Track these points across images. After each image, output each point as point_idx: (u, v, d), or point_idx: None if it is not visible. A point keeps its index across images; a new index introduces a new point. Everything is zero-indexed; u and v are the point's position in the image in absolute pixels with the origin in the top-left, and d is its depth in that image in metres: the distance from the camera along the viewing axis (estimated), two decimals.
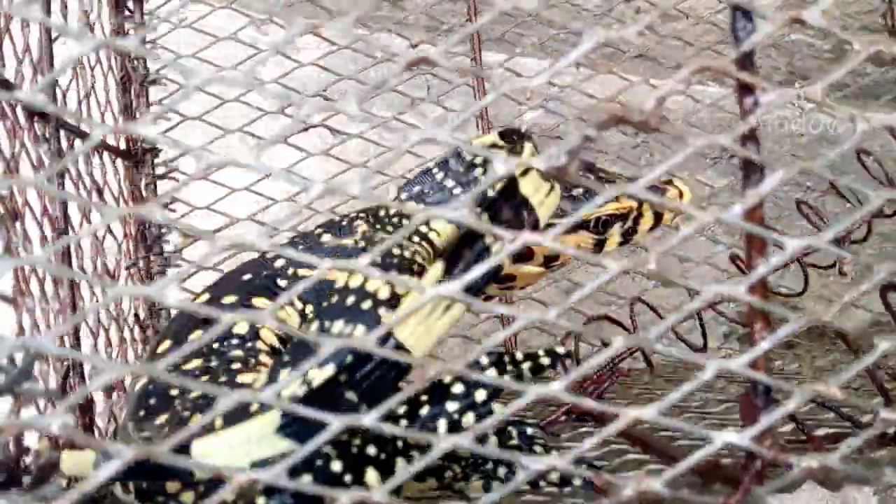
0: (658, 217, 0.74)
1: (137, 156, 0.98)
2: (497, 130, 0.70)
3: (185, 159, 1.01)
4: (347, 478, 0.51)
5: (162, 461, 0.36)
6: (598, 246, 0.74)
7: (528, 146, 0.62)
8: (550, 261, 0.74)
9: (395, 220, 0.75)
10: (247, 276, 0.74)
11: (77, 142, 0.79)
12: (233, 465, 0.46)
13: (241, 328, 0.70)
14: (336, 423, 0.37)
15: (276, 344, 0.72)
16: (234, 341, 0.68)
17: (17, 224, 0.68)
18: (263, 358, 0.70)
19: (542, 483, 0.58)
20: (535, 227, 0.53)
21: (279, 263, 0.74)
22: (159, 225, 0.99)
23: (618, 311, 1.00)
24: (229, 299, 0.72)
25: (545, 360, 0.57)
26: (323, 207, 1.01)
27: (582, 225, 0.73)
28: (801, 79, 1.24)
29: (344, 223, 0.76)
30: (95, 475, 0.35)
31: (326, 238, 0.75)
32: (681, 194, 0.74)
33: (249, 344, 0.69)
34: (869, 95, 1.23)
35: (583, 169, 0.76)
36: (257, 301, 0.72)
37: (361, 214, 0.76)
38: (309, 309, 0.72)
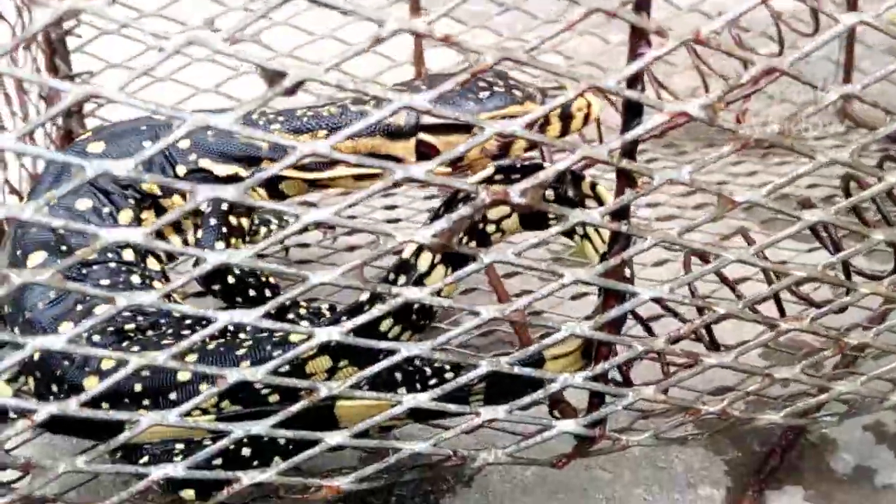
0: (566, 126, 0.75)
1: None
2: None
3: None
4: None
5: None
6: (503, 148, 0.75)
7: None
8: (455, 161, 0.75)
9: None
10: (146, 144, 0.71)
11: None
12: None
13: (125, 217, 0.71)
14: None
15: None
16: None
17: None
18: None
19: None
20: None
21: (183, 144, 0.73)
22: None
23: None
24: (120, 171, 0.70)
25: None
26: None
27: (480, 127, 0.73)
28: None
29: (260, 122, 0.74)
30: None
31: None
32: (589, 105, 0.75)
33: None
34: None
35: (494, 75, 0.76)
36: (147, 186, 0.70)
37: (279, 116, 0.75)
38: (203, 203, 0.73)
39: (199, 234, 0.71)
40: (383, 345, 0.47)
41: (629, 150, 0.44)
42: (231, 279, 0.70)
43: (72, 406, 0.44)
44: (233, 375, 0.45)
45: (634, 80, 0.42)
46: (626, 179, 0.45)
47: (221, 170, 0.73)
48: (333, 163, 0.73)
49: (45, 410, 0.43)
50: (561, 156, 0.66)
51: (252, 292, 0.70)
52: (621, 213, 0.46)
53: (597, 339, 0.49)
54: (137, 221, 0.71)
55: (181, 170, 0.73)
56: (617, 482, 0.70)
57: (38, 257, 0.65)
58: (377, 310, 0.46)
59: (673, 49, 0.40)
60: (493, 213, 0.59)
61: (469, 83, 0.73)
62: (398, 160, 0.72)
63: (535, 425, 0.53)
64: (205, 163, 0.74)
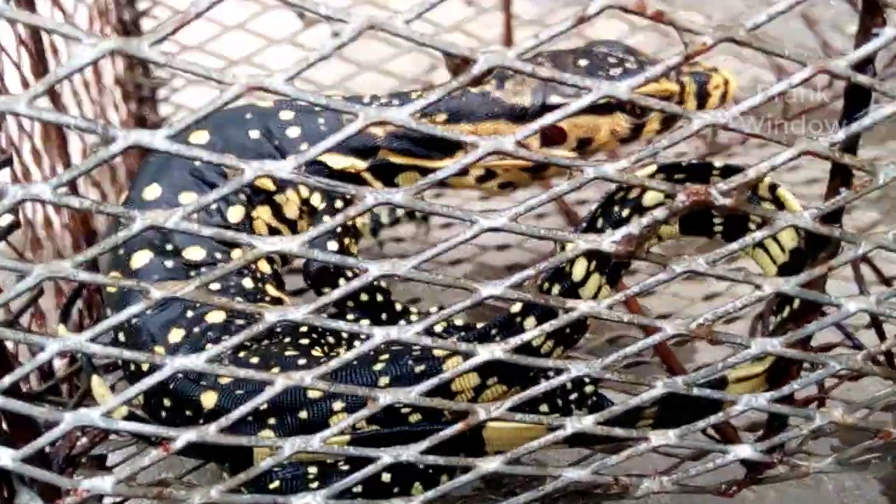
0: (701, 105, 0.69)
1: None
2: None
3: None
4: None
5: None
6: (636, 131, 0.70)
7: None
8: (584, 144, 0.70)
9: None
10: (254, 135, 0.68)
11: None
12: None
13: (236, 214, 0.66)
14: None
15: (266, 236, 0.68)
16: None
17: None
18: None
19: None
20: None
21: (293, 133, 0.69)
22: None
23: None
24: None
25: None
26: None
27: (617, 106, 0.67)
28: None
29: (373, 105, 0.69)
30: None
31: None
32: (726, 82, 0.69)
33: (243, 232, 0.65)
34: None
35: (624, 50, 0.70)
36: (260, 180, 0.66)
37: (394, 99, 0.70)
38: (316, 198, 0.68)
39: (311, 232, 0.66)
40: (549, 363, 0.42)
41: (851, 145, 0.38)
42: (343, 282, 0.65)
43: (212, 432, 0.39)
44: (384, 398, 0.41)
45: (865, 64, 0.36)
46: (841, 177, 0.39)
47: (336, 161, 0.68)
48: (454, 150, 0.68)
49: (184, 438, 0.39)
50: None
51: (364, 296, 0.65)
52: (833, 216, 0.40)
53: (789, 356, 0.43)
54: (248, 218, 0.67)
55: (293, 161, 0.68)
56: (761, 503, 0.64)
57: (142, 257, 0.60)
58: (548, 325, 0.40)
59: None
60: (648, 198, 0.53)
61: (599, 60, 0.67)
62: (521, 145, 0.67)
63: (706, 450, 0.47)
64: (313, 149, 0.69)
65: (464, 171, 0.57)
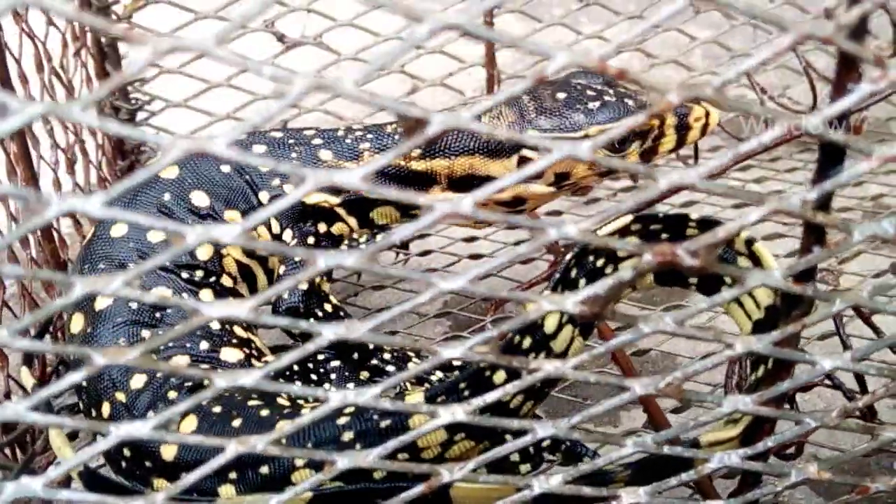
0: (681, 138, 0.68)
1: None
2: None
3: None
4: None
5: None
6: (613, 169, 0.69)
7: None
8: (561, 178, 0.69)
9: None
10: (225, 169, 0.67)
11: None
12: None
13: (205, 252, 0.64)
14: None
15: (236, 272, 0.66)
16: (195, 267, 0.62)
17: None
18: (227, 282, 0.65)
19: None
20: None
21: (266, 168, 0.67)
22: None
23: None
24: (199, 199, 0.64)
25: None
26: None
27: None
28: None
29: (348, 139, 0.68)
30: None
31: (325, 155, 0.68)
32: (707, 114, 0.68)
33: (212, 270, 0.63)
34: None
35: (603, 82, 0.69)
36: (229, 214, 0.65)
37: (368, 133, 0.69)
38: (287, 235, 0.67)
39: (282, 270, 0.65)
40: (516, 424, 0.40)
41: (824, 202, 0.37)
42: (320, 314, 0.63)
43: (159, 502, 0.38)
44: (342, 462, 0.39)
45: (840, 120, 0.34)
46: (814, 235, 0.38)
47: (310, 197, 0.67)
48: (427, 186, 0.66)
49: None
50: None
51: None
52: (807, 274, 0.38)
53: (763, 414, 0.42)
54: (218, 256, 0.65)
55: (264, 196, 0.66)
56: None
57: (106, 298, 0.59)
58: (511, 386, 0.39)
59: (886, 80, 0.33)
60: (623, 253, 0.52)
61: (577, 92, 0.66)
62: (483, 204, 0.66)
63: None
64: (290, 189, 0.68)
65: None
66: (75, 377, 0.35)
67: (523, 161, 0.65)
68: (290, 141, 0.68)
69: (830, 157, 0.36)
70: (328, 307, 0.65)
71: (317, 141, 0.68)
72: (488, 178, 0.65)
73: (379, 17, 0.83)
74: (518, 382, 0.39)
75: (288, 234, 0.66)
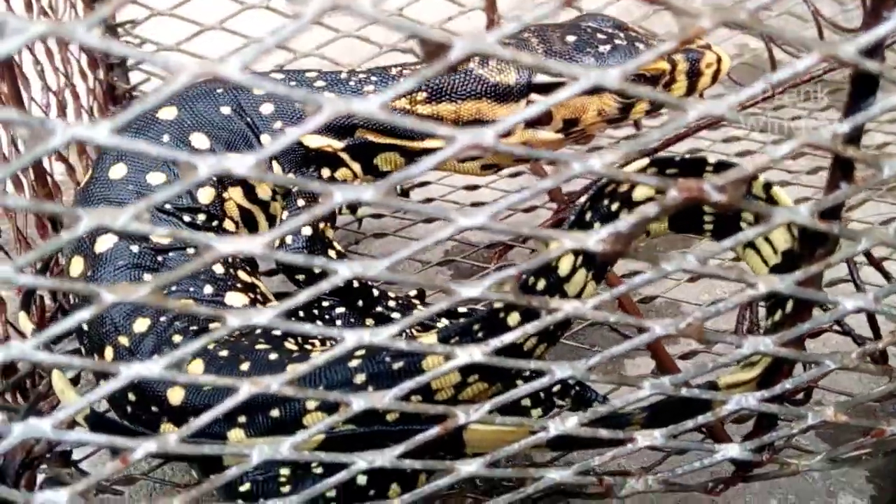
0: (692, 84, 0.67)
1: None
2: None
3: None
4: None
5: None
6: (624, 111, 0.67)
7: None
8: (570, 125, 0.67)
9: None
10: (225, 111, 0.65)
11: None
12: None
13: (206, 195, 0.63)
14: None
15: (238, 217, 0.65)
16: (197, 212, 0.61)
17: None
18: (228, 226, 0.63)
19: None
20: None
21: (266, 110, 0.66)
22: None
23: None
24: (199, 141, 0.63)
25: None
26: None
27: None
28: None
29: (351, 81, 0.66)
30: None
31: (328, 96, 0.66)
32: (718, 60, 0.67)
33: (214, 214, 0.62)
34: None
35: (613, 25, 0.67)
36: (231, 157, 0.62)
37: (372, 76, 0.67)
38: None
39: (285, 215, 0.63)
40: (533, 365, 0.39)
41: (855, 136, 0.36)
42: (317, 270, 0.62)
43: (171, 443, 0.37)
44: (357, 403, 0.38)
45: (875, 50, 0.33)
46: (842, 170, 0.37)
47: (313, 141, 0.65)
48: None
49: (143, 449, 0.36)
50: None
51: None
52: (832, 212, 0.37)
53: (783, 356, 0.41)
54: (220, 199, 0.64)
55: (265, 139, 0.65)
56: (748, 492, 0.63)
57: (107, 241, 0.57)
58: (531, 326, 0.38)
59: None
60: (638, 193, 0.50)
61: (587, 35, 0.64)
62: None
63: (694, 450, 0.45)
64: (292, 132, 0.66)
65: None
66: (83, 314, 0.34)
67: (532, 105, 0.63)
68: (292, 83, 0.66)
69: (862, 89, 0.35)
70: (332, 253, 0.63)
71: (319, 83, 0.66)
72: (495, 122, 0.63)
73: None
74: (537, 323, 0.38)
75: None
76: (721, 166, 0.46)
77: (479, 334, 0.47)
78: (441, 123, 0.66)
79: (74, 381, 0.58)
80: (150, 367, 0.35)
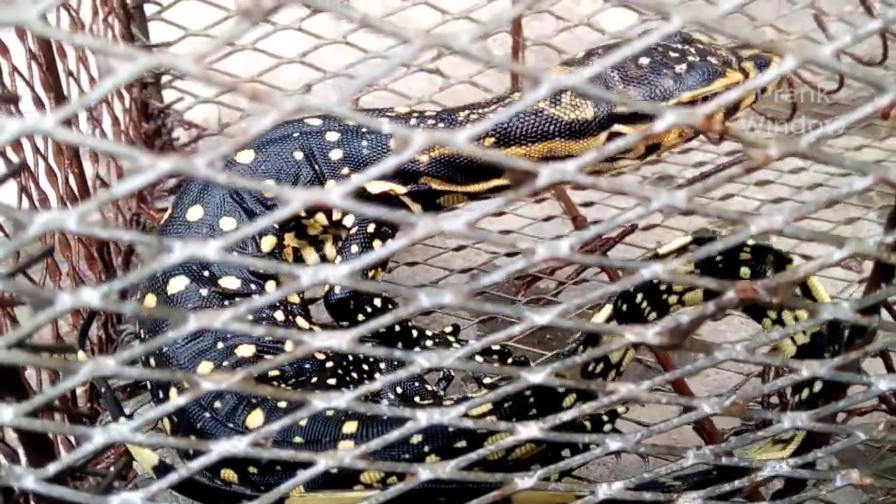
0: (763, 90, 0.68)
1: None
2: None
3: None
4: None
5: None
6: (700, 132, 0.68)
7: None
8: (652, 150, 0.67)
9: None
10: (298, 157, 0.64)
11: None
12: None
13: (268, 244, 0.64)
14: None
15: (292, 259, 0.66)
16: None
17: None
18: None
19: None
20: None
21: (335, 156, 0.65)
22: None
23: None
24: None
25: None
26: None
27: (686, 105, 0.62)
28: None
29: (421, 124, 0.66)
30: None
31: (394, 143, 0.66)
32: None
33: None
34: None
35: (680, 40, 0.67)
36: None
37: (440, 122, 0.66)
38: (348, 220, 0.66)
39: (338, 260, 0.65)
40: (587, 439, 0.42)
41: None
42: (369, 309, 0.64)
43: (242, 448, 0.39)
44: (424, 473, 0.41)
45: None
46: (885, 272, 0.39)
47: (376, 186, 0.66)
48: (492, 172, 0.65)
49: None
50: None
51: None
52: (873, 308, 0.40)
53: (817, 430, 0.44)
54: (280, 247, 0.66)
55: (330, 185, 0.66)
56: None
57: (179, 283, 0.60)
58: (588, 407, 0.40)
59: None
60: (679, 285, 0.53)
61: (660, 55, 0.64)
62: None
63: None
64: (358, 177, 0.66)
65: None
66: (171, 336, 0.35)
67: (613, 137, 0.63)
68: (363, 129, 0.67)
69: None
70: (377, 302, 0.66)
71: (416, 117, 0.67)
72: (569, 157, 0.63)
73: None
74: (594, 403, 0.40)
75: (349, 220, 0.66)
76: (758, 249, 0.48)
77: (532, 403, 0.50)
78: (495, 171, 0.66)
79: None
80: (236, 445, 0.38)
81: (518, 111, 0.59)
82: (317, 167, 0.66)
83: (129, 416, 0.60)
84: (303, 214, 0.67)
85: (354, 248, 0.65)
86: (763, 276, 0.50)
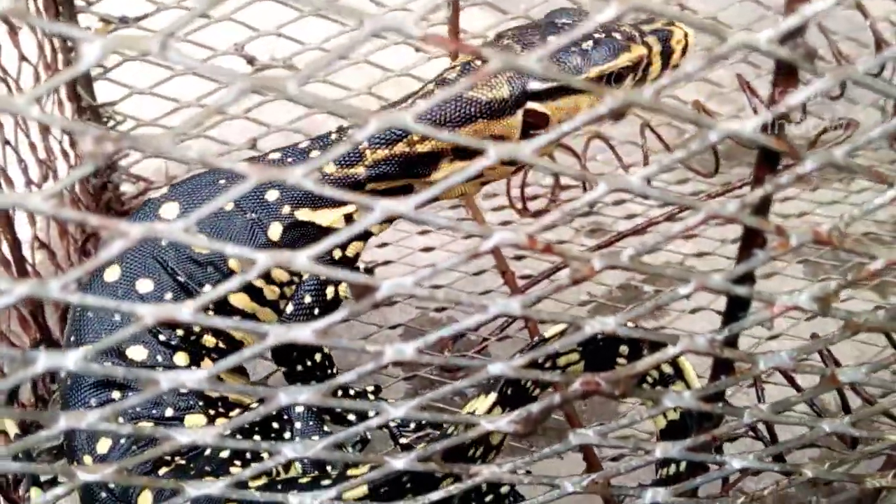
0: (665, 63, 0.69)
1: None
2: None
3: None
4: None
5: None
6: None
7: None
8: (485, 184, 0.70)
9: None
10: (228, 208, 0.62)
11: None
12: None
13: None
14: None
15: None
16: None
17: None
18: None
19: None
20: None
21: (272, 196, 0.64)
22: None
23: None
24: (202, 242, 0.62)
25: None
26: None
27: (594, 82, 0.63)
28: None
29: (336, 137, 0.66)
30: None
31: (329, 169, 0.66)
32: (685, 35, 0.69)
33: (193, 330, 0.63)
34: None
35: (584, 19, 0.69)
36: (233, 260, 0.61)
37: (315, 143, 0.67)
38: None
39: (289, 309, 0.65)
40: None
41: (731, 340, 0.41)
42: (318, 357, 0.65)
43: None
44: None
45: (743, 279, 0.39)
46: (723, 366, 0.43)
47: (324, 217, 0.66)
48: (434, 162, 0.66)
49: None
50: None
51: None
52: (716, 396, 0.43)
53: None
54: (227, 305, 0.66)
55: (276, 229, 0.64)
56: None
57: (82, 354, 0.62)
58: (455, 488, 0.43)
59: (788, 251, 0.37)
60: (562, 360, 0.56)
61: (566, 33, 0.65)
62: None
63: None
64: (303, 213, 0.66)
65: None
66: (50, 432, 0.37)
67: (529, 113, 0.65)
68: (289, 159, 0.66)
69: (737, 306, 0.40)
70: (318, 356, 0.66)
71: (307, 148, 0.67)
72: (493, 138, 0.64)
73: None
74: (461, 485, 0.43)
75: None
76: (632, 343, 0.51)
77: (409, 487, 0.51)
78: (441, 153, 0.66)
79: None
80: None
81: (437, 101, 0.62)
82: (253, 216, 0.64)
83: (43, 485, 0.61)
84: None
85: (307, 300, 0.65)
86: (640, 355, 0.53)
